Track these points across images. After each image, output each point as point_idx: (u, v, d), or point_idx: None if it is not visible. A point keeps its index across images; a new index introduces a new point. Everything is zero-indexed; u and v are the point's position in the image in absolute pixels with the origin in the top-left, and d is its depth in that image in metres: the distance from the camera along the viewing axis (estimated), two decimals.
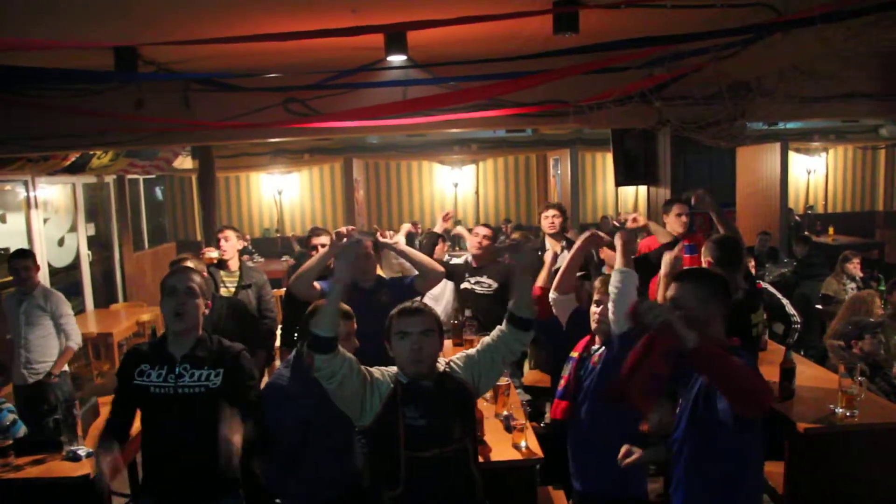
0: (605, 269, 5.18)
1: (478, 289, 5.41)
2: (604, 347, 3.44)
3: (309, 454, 3.19)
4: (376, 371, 2.72)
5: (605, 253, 5.28)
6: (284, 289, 6.60)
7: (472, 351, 2.88)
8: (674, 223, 5.65)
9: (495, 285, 5.37)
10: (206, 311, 3.04)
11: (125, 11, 3.85)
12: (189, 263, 4.63)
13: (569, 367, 3.55)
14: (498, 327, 2.85)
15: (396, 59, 4.66)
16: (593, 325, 3.50)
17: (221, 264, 5.60)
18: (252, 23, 4.17)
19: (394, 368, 2.78)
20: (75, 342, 5.49)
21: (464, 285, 5.48)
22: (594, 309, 3.48)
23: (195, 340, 2.95)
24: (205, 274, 4.68)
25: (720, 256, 4.01)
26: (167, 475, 2.92)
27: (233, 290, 5.40)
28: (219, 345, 3.01)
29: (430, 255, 5.40)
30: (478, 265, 5.49)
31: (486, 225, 5.68)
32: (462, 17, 3.47)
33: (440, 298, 5.97)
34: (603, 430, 3.29)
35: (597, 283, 3.53)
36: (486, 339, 2.87)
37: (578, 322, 3.77)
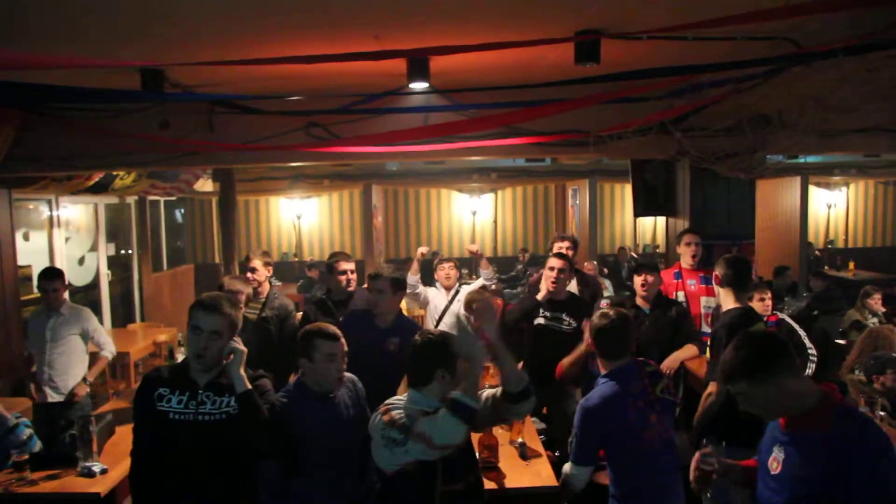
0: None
1: (557, 326, 4.97)
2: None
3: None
4: (399, 415, 2.62)
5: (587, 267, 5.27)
6: (301, 313, 6.57)
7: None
8: (685, 252, 5.69)
9: (574, 323, 4.92)
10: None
11: (151, 34, 3.92)
12: (238, 285, 4.70)
13: None
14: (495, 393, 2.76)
15: (418, 85, 4.68)
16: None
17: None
18: (276, 48, 4.22)
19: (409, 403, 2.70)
20: (109, 352, 5.57)
21: (539, 321, 5.00)
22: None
23: (219, 370, 2.90)
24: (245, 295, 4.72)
25: (729, 275, 3.96)
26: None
27: (253, 316, 5.16)
28: None
29: None
30: (555, 300, 5.03)
31: (559, 256, 5.10)
32: (485, 44, 3.49)
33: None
34: None
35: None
36: (489, 392, 2.78)
37: None
